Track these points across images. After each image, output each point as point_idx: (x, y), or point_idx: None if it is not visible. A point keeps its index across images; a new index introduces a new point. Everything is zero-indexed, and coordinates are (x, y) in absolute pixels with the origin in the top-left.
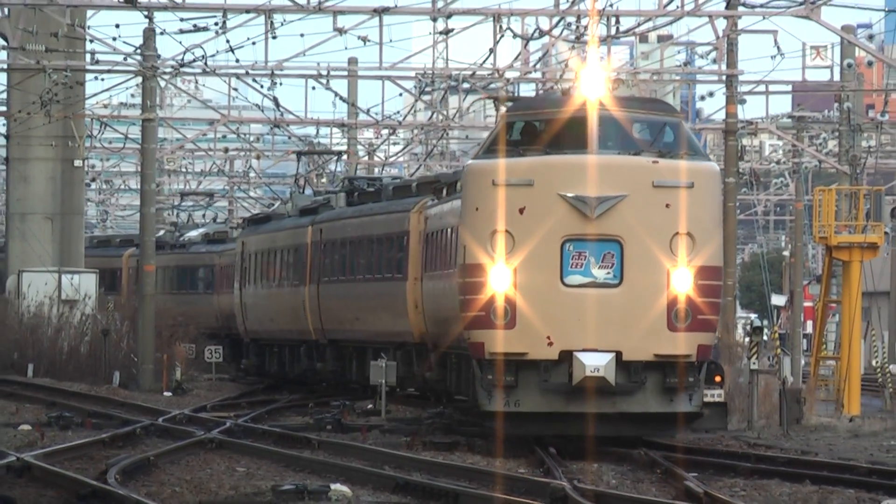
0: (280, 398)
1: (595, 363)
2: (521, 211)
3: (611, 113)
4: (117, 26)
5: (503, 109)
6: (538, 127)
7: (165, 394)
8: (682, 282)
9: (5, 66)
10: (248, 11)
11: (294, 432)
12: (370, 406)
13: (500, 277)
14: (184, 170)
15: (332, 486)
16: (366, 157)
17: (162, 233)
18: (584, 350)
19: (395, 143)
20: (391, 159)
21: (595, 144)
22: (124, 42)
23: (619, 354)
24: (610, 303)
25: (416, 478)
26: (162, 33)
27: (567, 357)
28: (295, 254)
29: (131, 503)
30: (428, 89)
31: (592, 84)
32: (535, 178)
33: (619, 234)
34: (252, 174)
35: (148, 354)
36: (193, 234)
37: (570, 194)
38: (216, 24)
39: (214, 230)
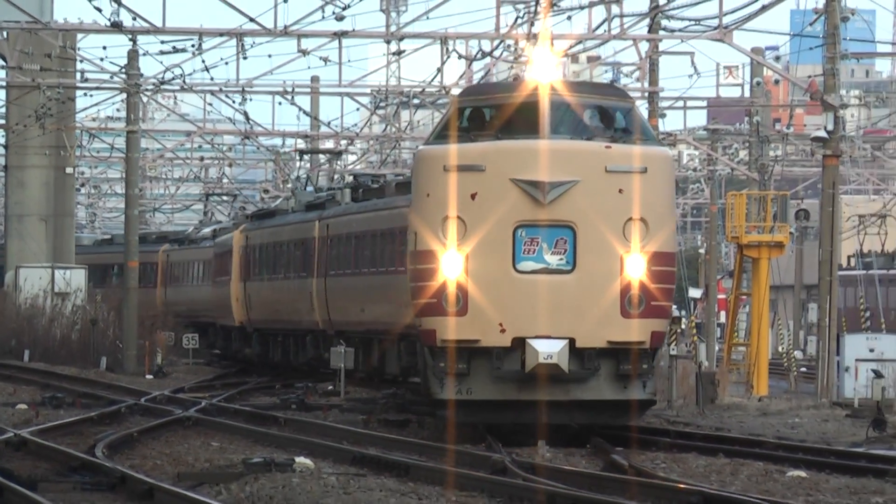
0: (250, 380)
1: (548, 350)
2: (473, 196)
3: (563, 98)
4: (104, 48)
5: (454, 95)
6: (489, 112)
7: (147, 377)
8: (635, 268)
9: (3, 84)
10: (221, 35)
11: (262, 411)
12: (331, 387)
13: (451, 264)
14: (164, 176)
15: (297, 459)
16: (326, 165)
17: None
18: (536, 337)
19: (352, 153)
20: (349, 167)
21: (547, 129)
22: (111, 62)
23: (572, 341)
24: (563, 289)
25: (372, 452)
26: (144, 54)
27: (520, 344)
28: (302, 247)
29: (117, 474)
30: (382, 104)
31: (544, 68)
32: (487, 163)
33: (571, 219)
34: (225, 180)
35: (132, 341)
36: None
37: (522, 179)
38: (193, 45)
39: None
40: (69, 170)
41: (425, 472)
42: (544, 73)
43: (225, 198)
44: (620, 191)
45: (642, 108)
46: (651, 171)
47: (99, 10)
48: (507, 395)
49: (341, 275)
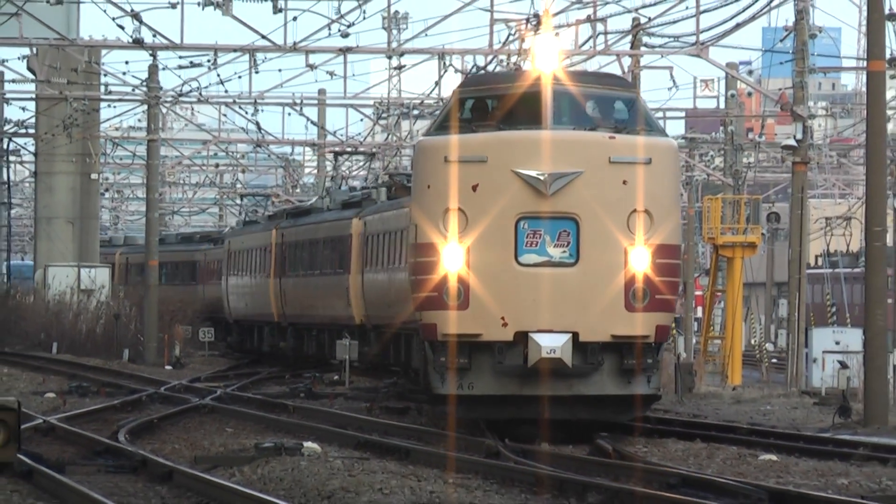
0: (261, 371)
1: (551, 344)
2: (474, 188)
3: (565, 87)
4: (126, 63)
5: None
6: (491, 103)
7: (166, 367)
8: (639, 261)
9: (33, 96)
10: (234, 51)
11: (273, 399)
12: (336, 377)
13: (452, 257)
14: (181, 182)
15: (305, 444)
16: (332, 172)
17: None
18: (539, 331)
19: (356, 161)
20: (353, 173)
21: (550, 120)
22: (132, 76)
23: (575, 335)
24: (566, 282)
25: (374, 437)
26: (164, 68)
27: (522, 338)
28: (339, 244)
29: (138, 458)
30: (384, 115)
31: (546, 58)
32: (489, 154)
33: (574, 211)
34: (238, 185)
35: (152, 334)
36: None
37: (524, 171)
38: (208, 61)
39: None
40: (94, 176)
41: (424, 456)
42: (546, 62)
43: (259, 199)
44: (624, 182)
45: None
46: (656, 162)
47: (122, 27)
48: (509, 390)
49: (378, 270)
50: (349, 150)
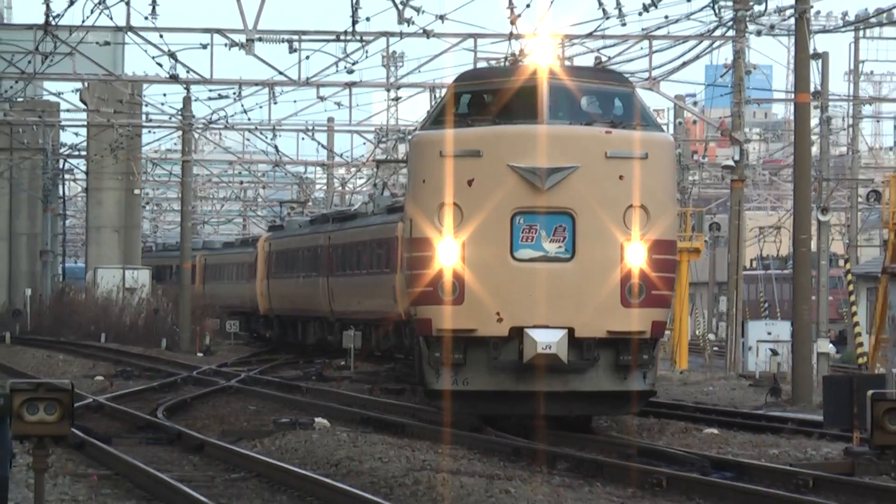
0: (279, 358)
1: (547, 340)
2: (470, 183)
3: (561, 82)
4: (164, 95)
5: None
6: (487, 97)
7: (198, 354)
8: (635, 256)
9: (85, 124)
10: (256, 85)
11: (289, 382)
12: (343, 363)
13: (447, 252)
14: (211, 196)
15: (316, 420)
16: (339, 188)
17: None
18: (534, 327)
19: (360, 178)
20: (357, 189)
21: (546, 114)
22: (169, 106)
23: (571, 331)
24: (561, 278)
25: (375, 414)
26: (196, 100)
27: (517, 334)
28: (385, 246)
29: (174, 431)
30: (384, 140)
31: (543, 52)
32: (484, 148)
33: (570, 206)
34: (259, 200)
35: (186, 326)
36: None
37: (520, 165)
38: (234, 93)
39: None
40: (136, 191)
41: (417, 430)
42: (543, 57)
43: (295, 206)
44: (621, 177)
45: None
46: (652, 157)
47: (160, 65)
48: (505, 386)
49: None
50: (392, 160)
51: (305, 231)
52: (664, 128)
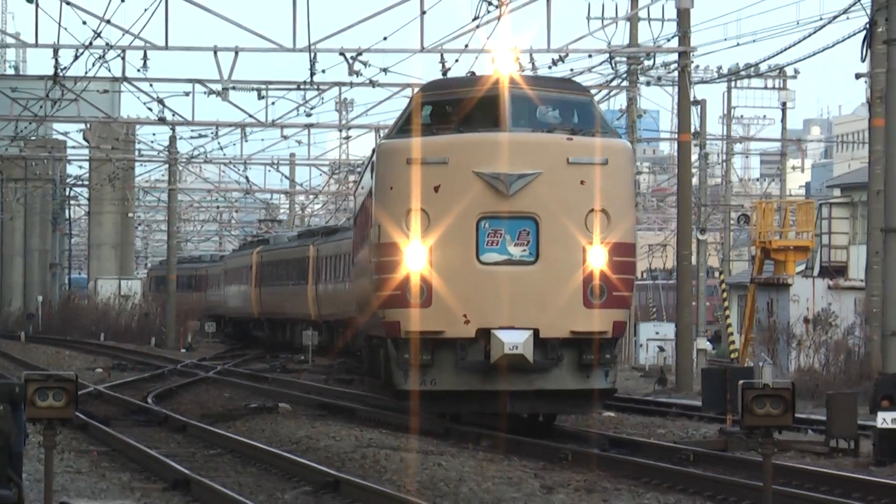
0: (249, 353)
1: (513, 340)
2: (436, 189)
3: (523, 91)
4: (154, 134)
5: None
6: (450, 107)
7: (182, 350)
8: (597, 259)
9: (87, 158)
10: (230, 125)
11: (258, 373)
12: (302, 358)
13: (415, 256)
14: (192, 219)
15: (280, 405)
16: (300, 212)
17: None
18: (500, 328)
19: (317, 204)
20: (315, 213)
21: (508, 122)
22: (158, 143)
23: (536, 332)
24: (526, 280)
25: (329, 400)
26: (180, 138)
27: (484, 335)
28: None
29: (162, 415)
30: (336, 171)
31: (504, 62)
32: (450, 155)
33: (534, 211)
34: (233, 222)
35: (171, 327)
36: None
37: (485, 172)
38: (212, 133)
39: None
40: (130, 214)
41: (365, 414)
42: (504, 66)
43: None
44: (582, 182)
45: None
46: (612, 163)
47: (150, 109)
48: (471, 386)
49: None
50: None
51: (293, 244)
52: (621, 136)
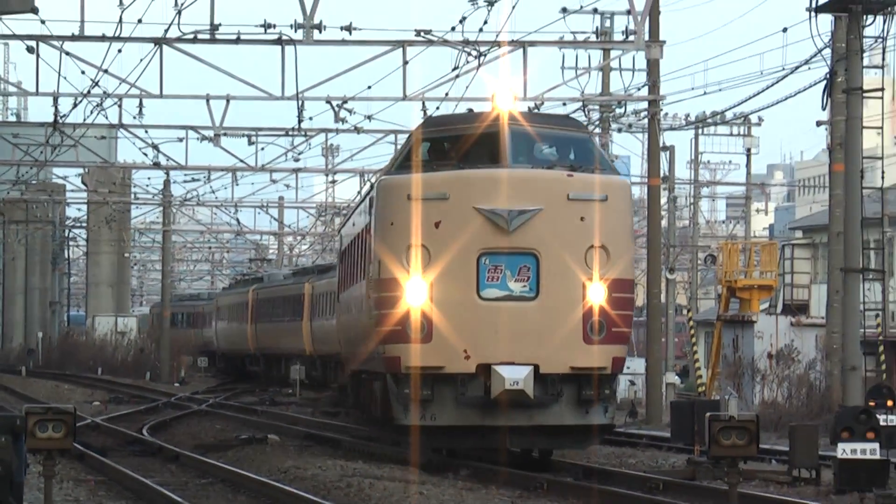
0: (240, 387)
1: (514, 376)
2: (437, 225)
3: (522, 127)
4: (149, 178)
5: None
6: (450, 143)
7: (175, 384)
8: (597, 295)
9: (86, 201)
10: (222, 170)
11: (248, 405)
12: (290, 392)
13: (415, 292)
14: (186, 259)
15: (269, 436)
16: (288, 252)
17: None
18: (501, 363)
19: (304, 245)
20: (302, 253)
21: (509, 158)
22: (153, 187)
23: (536, 367)
24: (526, 316)
25: (315, 431)
26: (174, 182)
27: (483, 370)
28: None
29: (156, 446)
30: (323, 214)
31: (504, 99)
32: (451, 191)
33: (534, 247)
34: (224, 261)
35: (165, 362)
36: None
37: (485, 208)
38: (204, 177)
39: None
40: (126, 255)
41: (350, 444)
42: (503, 103)
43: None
44: (582, 219)
45: None
46: (611, 200)
47: (146, 154)
48: (471, 421)
49: None
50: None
51: (290, 282)
52: (620, 173)
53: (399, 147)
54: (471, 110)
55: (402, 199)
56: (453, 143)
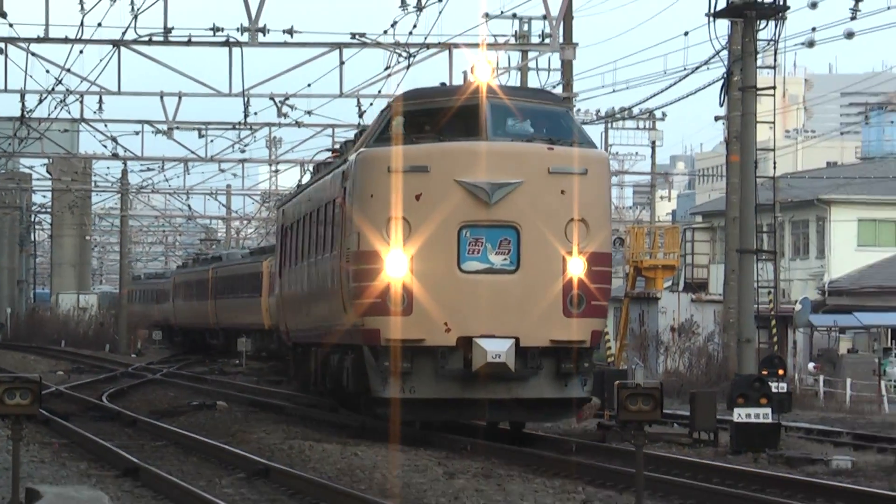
0: (191, 358)
1: (496, 349)
2: (417, 197)
3: (502, 100)
4: (108, 168)
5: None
6: (430, 115)
7: (132, 355)
8: (576, 268)
9: (51, 189)
10: (175, 160)
11: (199, 375)
12: (237, 363)
13: (396, 264)
14: (141, 241)
15: (218, 403)
16: (235, 235)
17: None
18: (482, 336)
19: (250, 229)
20: (248, 236)
21: (489, 131)
22: (111, 176)
23: (516, 340)
24: (507, 289)
25: (260, 398)
26: (131, 171)
27: (464, 343)
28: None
29: (114, 411)
30: (267, 201)
31: (483, 72)
32: (431, 164)
33: (515, 220)
34: (177, 244)
35: (123, 335)
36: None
37: (466, 180)
38: (158, 167)
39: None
40: (87, 238)
41: (292, 411)
42: (482, 75)
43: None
44: (562, 192)
45: None
46: (591, 173)
47: (105, 146)
48: (451, 394)
49: None
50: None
51: (248, 260)
52: (597, 146)
53: (374, 120)
54: (444, 84)
55: (382, 171)
56: (432, 115)
